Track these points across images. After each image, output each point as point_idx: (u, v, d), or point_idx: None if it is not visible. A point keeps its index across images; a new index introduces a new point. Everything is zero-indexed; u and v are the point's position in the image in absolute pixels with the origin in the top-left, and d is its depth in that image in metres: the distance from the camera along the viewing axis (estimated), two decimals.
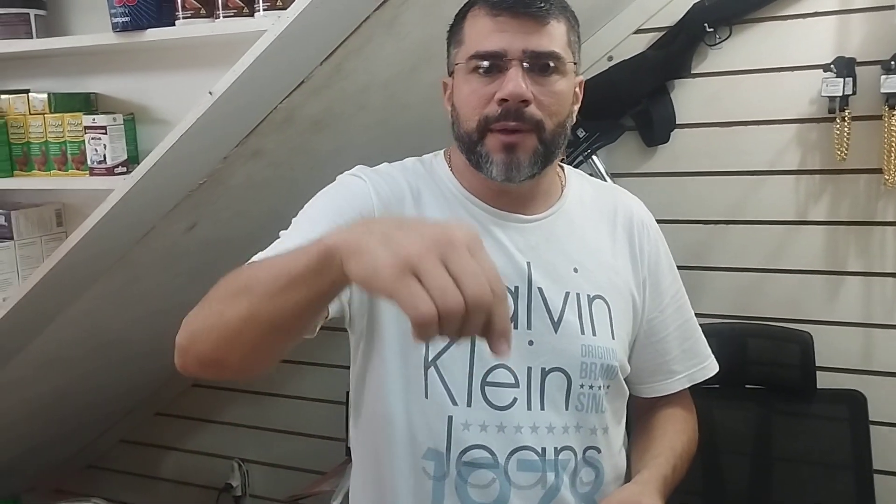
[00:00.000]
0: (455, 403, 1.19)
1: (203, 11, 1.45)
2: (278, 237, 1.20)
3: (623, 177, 2.02)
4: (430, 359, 1.19)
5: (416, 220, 1.07)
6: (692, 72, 1.96)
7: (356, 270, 0.78)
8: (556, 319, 1.22)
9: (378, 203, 1.21)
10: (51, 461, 2.67)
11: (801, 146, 1.90)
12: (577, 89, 1.25)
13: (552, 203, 1.28)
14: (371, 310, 1.22)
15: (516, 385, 1.19)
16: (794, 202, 1.93)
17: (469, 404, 1.19)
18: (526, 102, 1.14)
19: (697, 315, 1.92)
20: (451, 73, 1.24)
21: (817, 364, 1.86)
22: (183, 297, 1.96)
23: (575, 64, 1.21)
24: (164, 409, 2.69)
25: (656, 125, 1.99)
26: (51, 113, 1.64)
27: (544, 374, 1.20)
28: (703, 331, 1.40)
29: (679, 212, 2.00)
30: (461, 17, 1.22)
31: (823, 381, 1.87)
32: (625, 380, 1.34)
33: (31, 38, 1.65)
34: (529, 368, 1.20)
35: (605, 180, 1.98)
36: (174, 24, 1.48)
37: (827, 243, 1.91)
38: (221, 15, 1.43)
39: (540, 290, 1.22)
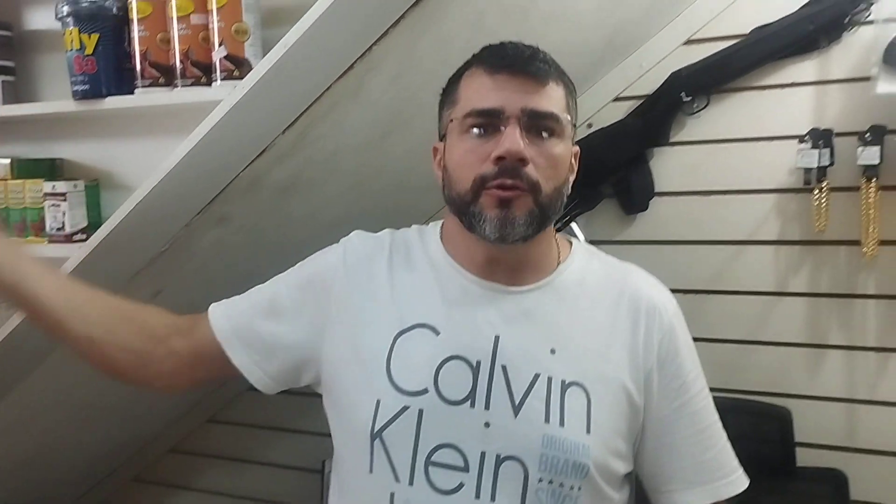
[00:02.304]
0: (398, 480, 1.12)
1: (162, 80, 1.44)
2: None
3: (602, 244, 1.97)
4: (375, 430, 1.13)
5: None
6: (671, 140, 1.94)
7: None
8: (517, 402, 1.13)
9: (343, 268, 1.25)
10: None
11: (781, 216, 1.87)
12: (573, 159, 1.21)
13: (542, 277, 1.21)
14: (310, 373, 1.26)
15: (465, 469, 1.11)
16: (774, 273, 1.89)
17: (411, 483, 1.12)
18: (523, 162, 1.10)
19: None
20: (442, 137, 1.21)
21: (798, 440, 1.81)
22: None
23: (574, 127, 1.19)
24: (142, 475, 2.64)
25: (635, 193, 1.97)
26: (13, 179, 1.62)
27: (498, 461, 1.11)
28: None
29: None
30: (456, 78, 1.20)
31: (804, 458, 1.81)
32: (644, 486, 1.25)
33: None
34: (483, 453, 1.11)
35: None
36: (133, 93, 1.47)
37: (808, 315, 1.86)
38: (180, 84, 1.43)
39: (504, 367, 1.14)
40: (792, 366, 1.88)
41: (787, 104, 1.83)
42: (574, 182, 1.93)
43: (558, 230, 1.93)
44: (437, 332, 1.17)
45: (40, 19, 1.72)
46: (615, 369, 1.18)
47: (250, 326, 1.25)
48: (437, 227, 1.28)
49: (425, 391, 1.13)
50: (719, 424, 1.26)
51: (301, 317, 1.25)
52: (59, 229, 1.55)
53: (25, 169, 1.65)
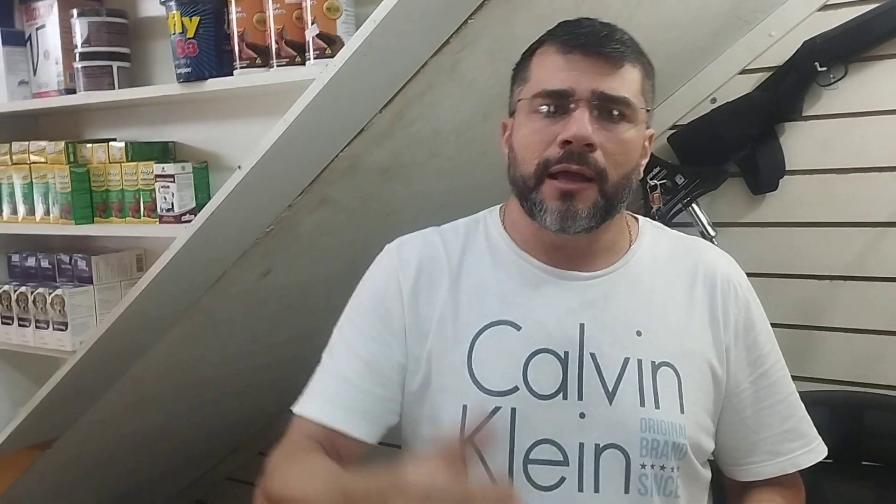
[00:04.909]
0: (495, 483, 1.07)
1: (259, 61, 1.45)
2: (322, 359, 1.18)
3: (727, 226, 1.88)
4: (465, 436, 1.09)
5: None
6: (803, 114, 1.80)
7: None
8: (610, 389, 1.09)
9: (406, 277, 1.17)
10: (157, 498, 2.74)
11: None
12: (647, 142, 1.14)
13: (616, 259, 1.17)
14: (408, 396, 1.17)
15: (565, 463, 1.08)
16: None
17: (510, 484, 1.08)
18: (591, 147, 1.05)
19: (808, 381, 1.79)
20: (512, 114, 1.17)
21: None
22: (269, 340, 2.00)
23: (648, 112, 1.12)
24: (236, 474, 2.71)
25: (763, 171, 1.84)
26: (127, 161, 1.69)
27: (598, 450, 1.08)
28: (813, 399, 1.25)
29: (789, 266, 1.84)
30: (529, 53, 1.15)
31: None
32: (717, 461, 1.21)
33: (113, 89, 1.71)
34: (581, 444, 1.08)
35: (707, 230, 1.86)
36: (233, 74, 1.48)
37: None
38: (275, 64, 1.43)
39: (593, 355, 1.10)
40: None
41: None
42: (696, 160, 1.87)
43: (679, 211, 1.86)
44: (517, 328, 1.12)
45: (153, 6, 1.76)
46: (700, 345, 1.15)
47: (373, 401, 1.14)
48: (496, 215, 1.23)
49: (515, 389, 1.10)
50: (796, 395, 1.23)
51: (391, 350, 1.16)
52: (168, 210, 1.60)
53: (138, 152, 1.71)
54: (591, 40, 1.07)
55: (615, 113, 1.07)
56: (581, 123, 1.04)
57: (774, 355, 1.21)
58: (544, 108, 1.08)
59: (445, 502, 0.78)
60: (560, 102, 1.07)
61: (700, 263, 1.19)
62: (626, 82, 1.07)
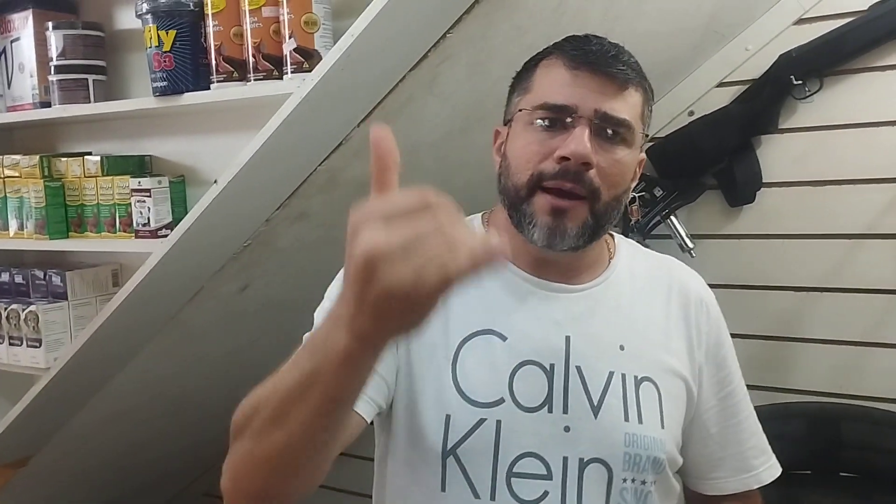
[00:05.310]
0: (477, 497, 1.07)
1: (236, 75, 1.44)
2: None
3: (705, 238, 1.89)
4: (448, 448, 1.07)
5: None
6: (780, 127, 1.81)
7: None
8: (595, 403, 1.08)
9: None
10: None
11: None
12: (638, 167, 1.15)
13: (598, 274, 1.16)
14: (392, 394, 1.13)
15: (549, 477, 1.06)
16: None
17: (493, 498, 1.06)
18: (587, 165, 1.04)
19: (785, 392, 1.80)
20: (506, 122, 1.15)
21: None
22: (248, 354, 1.99)
23: (646, 136, 1.12)
24: (213, 490, 2.67)
25: (740, 184, 1.85)
26: (103, 176, 1.67)
27: (582, 465, 1.07)
28: (791, 410, 1.30)
29: (766, 277, 1.85)
30: (533, 63, 1.14)
31: None
32: (681, 473, 1.21)
33: (89, 102, 1.69)
34: (565, 458, 1.07)
35: (685, 242, 1.86)
36: (209, 88, 1.47)
37: None
38: (252, 78, 1.42)
39: (578, 368, 1.09)
40: None
41: None
42: (674, 172, 1.88)
43: (657, 224, 1.87)
44: (503, 338, 1.11)
45: (130, 19, 1.75)
46: (677, 361, 1.16)
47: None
48: (478, 223, 1.21)
49: (501, 401, 1.08)
50: (754, 412, 1.26)
51: None
52: (144, 225, 1.58)
53: (115, 166, 1.69)
54: (600, 59, 1.06)
55: (614, 134, 1.07)
56: (580, 141, 1.03)
57: (738, 373, 1.23)
58: (544, 122, 1.07)
59: (405, 213, 0.66)
60: (560, 117, 1.06)
61: (674, 282, 1.20)
62: (628, 105, 1.07)
